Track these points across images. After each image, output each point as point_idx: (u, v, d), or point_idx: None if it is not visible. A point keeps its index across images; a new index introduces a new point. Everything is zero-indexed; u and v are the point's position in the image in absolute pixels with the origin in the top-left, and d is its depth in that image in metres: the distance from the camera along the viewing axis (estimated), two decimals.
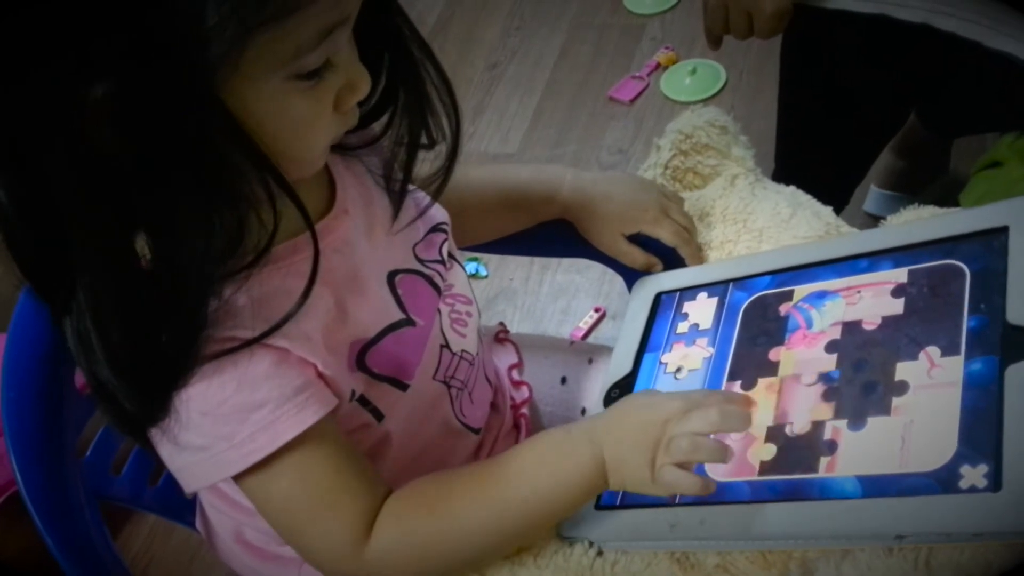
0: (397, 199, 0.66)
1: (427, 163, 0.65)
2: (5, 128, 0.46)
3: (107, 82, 0.45)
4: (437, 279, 0.68)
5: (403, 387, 0.65)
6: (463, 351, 0.70)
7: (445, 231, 0.70)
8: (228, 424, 0.55)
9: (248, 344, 0.54)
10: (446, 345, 0.68)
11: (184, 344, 0.52)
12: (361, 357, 0.61)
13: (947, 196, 0.88)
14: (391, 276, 0.65)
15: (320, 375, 0.58)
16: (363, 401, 0.63)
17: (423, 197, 0.68)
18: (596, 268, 1.34)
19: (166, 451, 0.56)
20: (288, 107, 0.51)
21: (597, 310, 1.50)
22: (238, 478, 0.57)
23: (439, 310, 0.68)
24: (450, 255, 0.71)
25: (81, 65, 0.44)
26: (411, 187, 0.67)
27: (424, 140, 0.62)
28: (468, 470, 0.61)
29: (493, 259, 1.59)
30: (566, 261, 1.54)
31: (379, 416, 0.64)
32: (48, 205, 0.48)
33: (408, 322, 0.64)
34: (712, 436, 0.55)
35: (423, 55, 0.60)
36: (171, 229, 0.49)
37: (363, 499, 0.58)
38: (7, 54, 0.44)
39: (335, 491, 0.57)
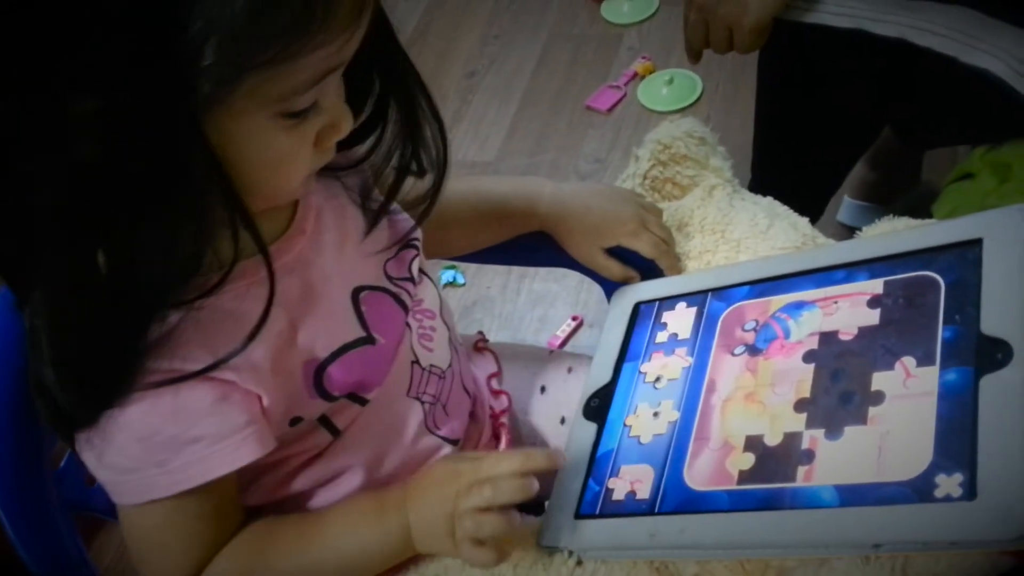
0: (373, 218, 0.66)
1: (407, 182, 0.65)
2: None
3: (96, 99, 0.45)
4: (404, 296, 0.67)
5: (362, 402, 0.64)
6: (432, 366, 0.70)
7: (416, 247, 0.70)
8: (162, 452, 0.55)
9: (191, 376, 0.54)
10: (416, 361, 0.68)
11: (123, 366, 0.52)
12: (319, 380, 0.61)
13: (919, 207, 0.89)
14: (356, 292, 0.64)
15: (264, 411, 0.58)
16: (322, 419, 0.63)
17: (403, 218, 0.68)
18: (573, 277, 1.34)
19: (90, 462, 0.57)
20: (270, 143, 0.51)
21: (574, 319, 1.50)
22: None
23: (408, 325, 0.68)
24: (420, 270, 0.70)
25: (73, 79, 0.44)
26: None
27: (414, 167, 0.63)
28: (291, 530, 0.62)
29: (471, 267, 1.59)
30: (543, 269, 1.54)
31: (335, 432, 0.64)
32: (16, 203, 0.48)
33: (368, 340, 0.64)
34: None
35: (419, 91, 0.60)
36: (131, 247, 0.49)
37: (206, 554, 0.59)
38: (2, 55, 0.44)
39: (186, 541, 0.59)
